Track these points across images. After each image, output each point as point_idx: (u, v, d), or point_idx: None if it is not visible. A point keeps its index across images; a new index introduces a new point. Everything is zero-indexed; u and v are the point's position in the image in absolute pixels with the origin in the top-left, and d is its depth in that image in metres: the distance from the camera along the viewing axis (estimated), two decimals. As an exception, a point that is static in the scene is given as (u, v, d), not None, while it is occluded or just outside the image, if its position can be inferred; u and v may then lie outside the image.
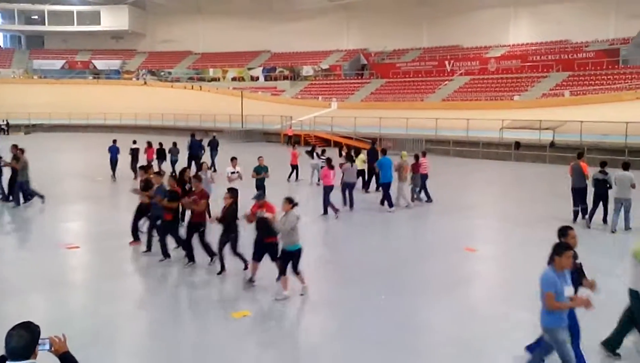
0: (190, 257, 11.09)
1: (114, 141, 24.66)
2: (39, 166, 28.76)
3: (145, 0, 76.85)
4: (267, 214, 9.56)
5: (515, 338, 7.93)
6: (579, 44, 52.49)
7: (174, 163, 24.56)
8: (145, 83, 73.27)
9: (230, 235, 10.42)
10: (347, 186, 17.13)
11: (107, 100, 63.47)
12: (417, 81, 57.99)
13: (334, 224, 15.96)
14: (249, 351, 7.58)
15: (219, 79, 72.87)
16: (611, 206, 14.55)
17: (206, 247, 11.08)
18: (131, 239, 12.68)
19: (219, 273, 10.53)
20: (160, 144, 25.33)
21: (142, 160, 24.07)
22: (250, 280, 9.92)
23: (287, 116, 46.35)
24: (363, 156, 20.77)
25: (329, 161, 17.39)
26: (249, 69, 72.74)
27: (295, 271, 9.37)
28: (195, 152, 25.36)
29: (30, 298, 9.55)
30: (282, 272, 9.32)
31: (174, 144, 25.28)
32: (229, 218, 10.36)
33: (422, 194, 18.67)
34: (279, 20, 71.98)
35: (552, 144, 30.82)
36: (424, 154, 19.25)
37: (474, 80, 54.16)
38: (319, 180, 20.58)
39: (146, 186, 12.58)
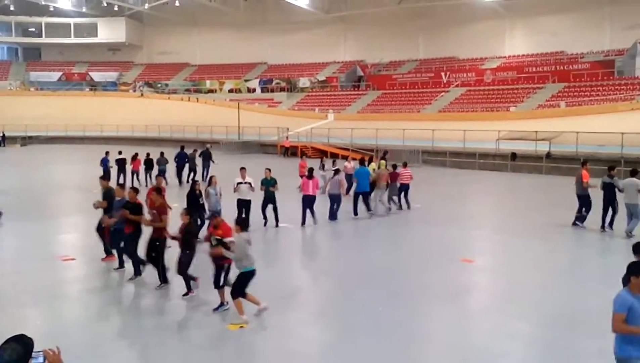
0: (137, 272, 10.98)
1: (107, 153, 24.99)
2: (35, 178, 28.78)
3: (142, 13, 77.00)
4: (228, 239, 9.14)
5: (514, 349, 7.90)
6: (574, 56, 52.76)
7: (162, 172, 24.63)
8: (142, 95, 73.27)
9: (185, 252, 9.98)
10: (331, 198, 17.09)
11: (104, 112, 63.49)
12: (413, 92, 58.16)
13: (327, 235, 15.96)
14: (245, 363, 7.53)
15: (215, 91, 72.94)
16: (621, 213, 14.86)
17: (158, 266, 10.55)
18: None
19: (185, 294, 10.00)
20: (148, 154, 25.55)
21: (128, 171, 24.64)
22: (221, 305, 9.34)
23: (284, 127, 46.42)
24: (374, 164, 21.22)
25: (310, 171, 17.01)
26: (246, 80, 72.86)
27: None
28: (180, 163, 25.62)
29: (25, 311, 9.48)
30: (240, 295, 8.80)
31: (162, 154, 25.33)
32: (186, 237, 9.98)
33: (401, 200, 19.04)
34: (275, 32, 72.23)
35: (549, 155, 30.88)
36: (404, 165, 19.52)
37: (470, 91, 54.32)
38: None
39: (105, 196, 12.29)
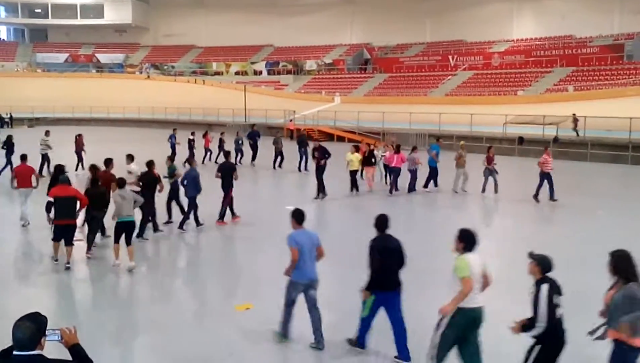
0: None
1: (174, 130, 26.81)
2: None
3: (149, -6, 76.89)
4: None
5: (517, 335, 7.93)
6: (583, 39, 52.31)
7: (239, 152, 26.14)
8: (148, 77, 73.24)
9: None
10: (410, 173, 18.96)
11: (110, 94, 63.51)
12: (420, 75, 57.91)
13: (335, 213, 16.01)
14: (250, 344, 7.61)
15: (222, 73, 72.86)
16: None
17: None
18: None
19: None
20: (222, 133, 26.76)
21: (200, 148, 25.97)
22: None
23: (290, 110, 46.36)
24: (357, 155, 21.22)
25: (398, 147, 19.28)
26: (252, 63, 72.69)
27: (128, 242, 10.42)
28: (255, 142, 26.81)
29: (40, 290, 9.59)
30: (115, 241, 10.47)
31: (237, 133, 27.38)
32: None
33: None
34: (282, 14, 71.89)
35: (556, 140, 30.75)
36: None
37: (478, 75, 54.04)
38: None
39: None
